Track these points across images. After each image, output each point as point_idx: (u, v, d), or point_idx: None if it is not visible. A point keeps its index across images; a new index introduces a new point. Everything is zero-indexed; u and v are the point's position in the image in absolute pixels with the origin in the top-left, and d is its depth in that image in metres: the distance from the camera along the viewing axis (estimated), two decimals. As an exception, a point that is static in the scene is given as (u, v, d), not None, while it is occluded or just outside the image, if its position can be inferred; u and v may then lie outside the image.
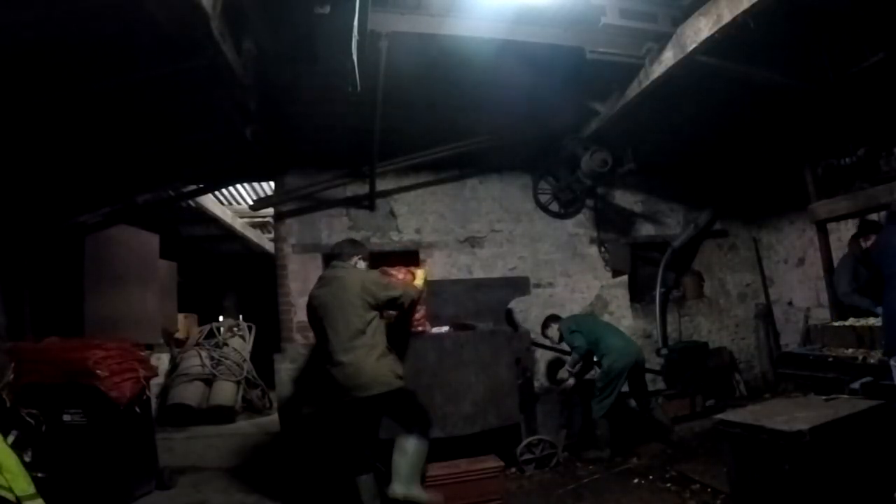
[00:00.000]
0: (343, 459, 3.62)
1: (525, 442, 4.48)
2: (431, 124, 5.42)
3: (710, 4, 3.63)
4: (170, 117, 4.60)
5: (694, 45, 3.82)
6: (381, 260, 5.24)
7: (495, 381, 4.36)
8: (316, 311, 3.52)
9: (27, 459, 3.44)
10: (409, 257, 5.96)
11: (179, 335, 8.43)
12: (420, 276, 4.03)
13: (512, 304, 5.50)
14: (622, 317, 6.49)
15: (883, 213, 4.73)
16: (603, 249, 6.63)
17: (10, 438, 3.47)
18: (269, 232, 9.11)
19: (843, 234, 5.64)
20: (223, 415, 6.77)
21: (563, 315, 5.50)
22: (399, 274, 4.10)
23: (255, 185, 7.54)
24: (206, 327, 8.24)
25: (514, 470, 4.41)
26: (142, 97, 4.06)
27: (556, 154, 6.03)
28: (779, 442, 2.82)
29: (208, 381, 7.07)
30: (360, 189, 5.95)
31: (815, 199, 5.09)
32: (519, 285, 5.29)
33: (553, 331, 5.27)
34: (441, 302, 4.75)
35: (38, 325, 5.37)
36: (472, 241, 6.28)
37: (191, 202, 7.15)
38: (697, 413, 5.73)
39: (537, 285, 6.15)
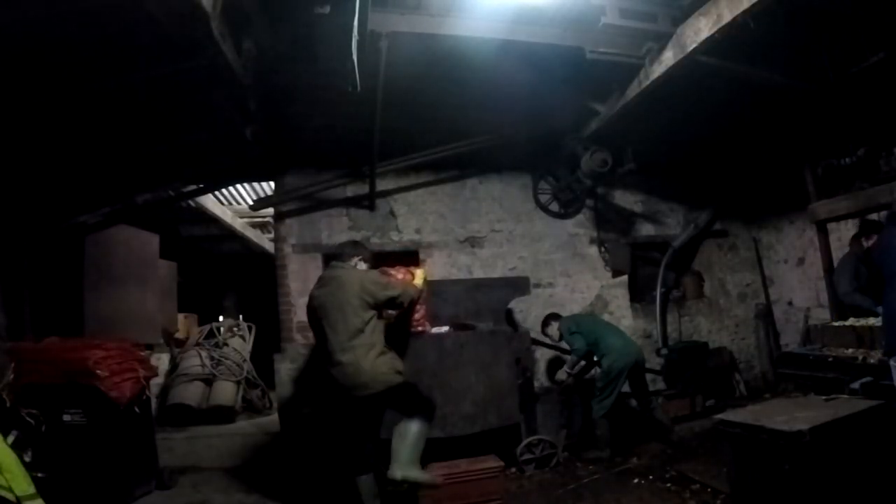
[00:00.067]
0: (343, 459, 3.63)
1: (525, 442, 4.48)
2: (431, 124, 5.42)
3: (710, 4, 3.63)
4: (170, 117, 4.60)
5: (694, 45, 3.82)
6: (380, 260, 5.23)
7: (495, 381, 4.36)
8: (315, 312, 3.52)
9: (27, 459, 3.44)
10: (409, 257, 5.96)
11: (179, 335, 8.42)
12: (419, 276, 4.03)
13: (512, 304, 5.50)
14: (622, 317, 6.49)
15: (883, 213, 4.74)
16: (603, 249, 6.63)
17: (10, 438, 3.47)
18: (269, 232, 9.10)
19: (843, 234, 5.64)
20: (223, 415, 6.76)
21: (564, 315, 5.50)
22: (398, 274, 4.11)
23: (255, 185, 7.54)
24: (206, 327, 8.23)
25: (514, 470, 4.41)
26: (142, 97, 4.06)
27: (556, 154, 6.03)
28: (779, 442, 2.82)
29: (208, 381, 7.06)
30: (360, 189, 5.95)
31: (815, 199, 5.10)
32: (519, 285, 5.29)
33: (553, 329, 5.26)
34: (441, 302, 4.75)
35: (38, 325, 5.36)
36: (472, 241, 6.28)
37: (191, 202, 7.15)
38: (697, 413, 5.73)
39: (537, 285, 6.15)
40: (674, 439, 4.93)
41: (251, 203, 7.00)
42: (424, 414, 3.47)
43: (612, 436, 4.75)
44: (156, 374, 5.09)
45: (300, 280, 5.74)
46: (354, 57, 3.21)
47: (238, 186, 7.66)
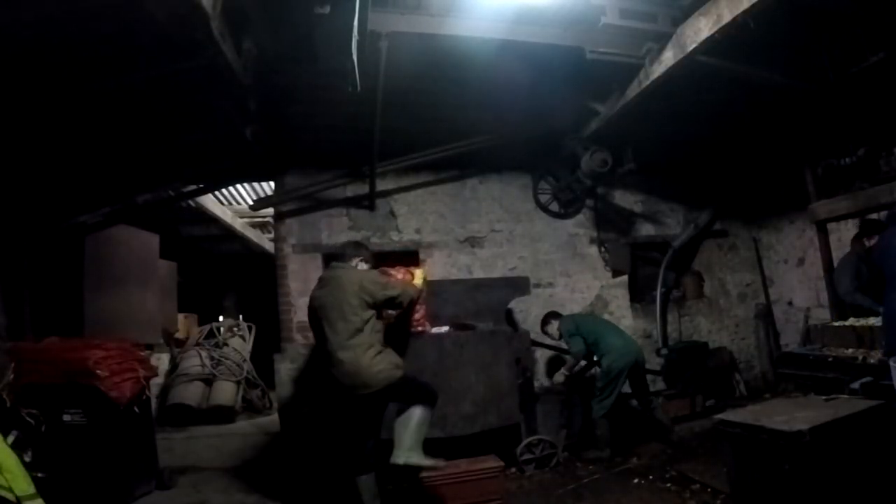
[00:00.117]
0: (343, 459, 3.63)
1: (525, 442, 4.48)
2: (431, 124, 5.41)
3: (710, 4, 3.62)
4: (170, 117, 4.60)
5: (694, 45, 3.82)
6: (380, 260, 5.23)
7: (495, 381, 4.36)
8: (316, 312, 3.53)
9: (27, 459, 3.44)
10: (409, 257, 5.96)
11: (179, 335, 8.43)
12: (419, 276, 4.03)
13: (512, 304, 5.50)
14: (622, 317, 6.49)
15: (884, 213, 4.75)
16: (603, 249, 6.63)
17: (10, 438, 3.47)
18: (269, 232, 9.11)
19: (843, 234, 5.64)
20: (223, 415, 6.76)
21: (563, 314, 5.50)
22: (398, 274, 4.11)
23: (255, 185, 7.54)
24: (206, 327, 8.23)
25: (514, 470, 4.41)
26: (141, 97, 4.06)
27: (556, 154, 6.03)
28: (779, 442, 2.82)
29: (208, 381, 7.06)
30: (360, 189, 5.95)
31: (815, 199, 5.10)
32: (519, 285, 5.29)
33: (553, 328, 5.26)
34: (441, 302, 4.75)
35: (38, 325, 5.36)
36: (472, 241, 6.28)
37: (191, 202, 7.15)
38: (697, 413, 5.73)
39: (537, 285, 6.15)
40: (674, 439, 4.93)
41: (251, 203, 7.00)
42: (426, 400, 3.51)
43: (612, 436, 4.75)
44: (156, 374, 5.09)
45: (300, 280, 5.74)
46: (354, 57, 3.21)
47: (238, 186, 7.66)
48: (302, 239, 5.89)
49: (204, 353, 7.35)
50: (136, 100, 4.10)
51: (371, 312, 3.44)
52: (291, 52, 3.82)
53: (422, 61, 4.21)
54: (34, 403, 3.81)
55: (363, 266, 3.74)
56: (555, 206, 6.52)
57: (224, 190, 7.66)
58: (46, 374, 3.91)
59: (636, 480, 4.11)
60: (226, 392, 7.02)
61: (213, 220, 8.21)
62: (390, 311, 3.84)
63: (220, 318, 11.29)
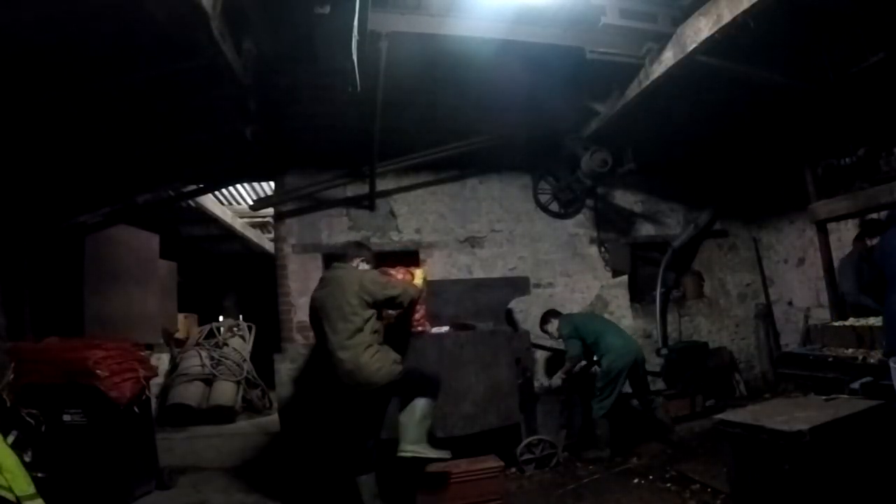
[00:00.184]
0: (344, 459, 3.64)
1: (525, 442, 4.48)
2: (431, 124, 5.42)
3: (710, 4, 3.63)
4: (170, 117, 4.60)
5: (694, 45, 3.82)
6: (380, 260, 5.23)
7: (495, 381, 4.36)
8: (317, 312, 3.55)
9: (27, 459, 3.44)
10: (409, 257, 5.96)
11: (179, 335, 8.42)
12: (419, 276, 4.03)
13: (512, 304, 5.50)
14: (622, 317, 6.48)
15: (884, 213, 4.74)
16: (603, 249, 6.63)
17: (10, 438, 3.46)
18: (269, 232, 9.11)
19: (843, 234, 5.64)
20: (223, 415, 6.76)
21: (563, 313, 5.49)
22: (398, 274, 4.11)
23: (255, 185, 7.54)
24: (206, 327, 8.23)
25: (514, 470, 4.41)
26: (141, 97, 4.06)
27: (556, 154, 6.03)
28: (779, 442, 2.82)
29: (208, 381, 7.06)
30: (360, 189, 5.95)
31: (815, 199, 5.09)
32: (519, 285, 5.29)
33: (552, 327, 5.25)
34: (441, 302, 4.75)
35: (38, 325, 5.36)
36: (472, 241, 6.27)
37: (191, 202, 7.15)
38: (697, 413, 5.73)
39: (537, 285, 6.15)
40: (674, 439, 4.93)
41: (251, 203, 6.99)
42: (429, 391, 3.55)
43: (612, 436, 4.75)
44: (156, 374, 5.09)
45: (300, 280, 5.74)
46: (354, 57, 3.21)
47: (238, 186, 7.66)
48: (302, 239, 5.89)
49: (204, 353, 7.35)
50: (136, 100, 4.09)
51: (371, 312, 3.45)
52: (291, 52, 3.82)
53: (422, 61, 4.21)
54: (34, 403, 3.80)
55: (364, 266, 3.75)
56: (555, 206, 6.52)
57: (224, 190, 7.66)
58: (46, 374, 3.91)
59: (636, 480, 4.11)
60: (226, 392, 7.02)
61: (213, 220, 8.21)
62: (390, 311, 3.85)
63: (220, 318, 11.29)
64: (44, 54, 3.32)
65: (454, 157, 5.83)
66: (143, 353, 4.78)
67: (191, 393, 6.77)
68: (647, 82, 4.37)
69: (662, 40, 4.10)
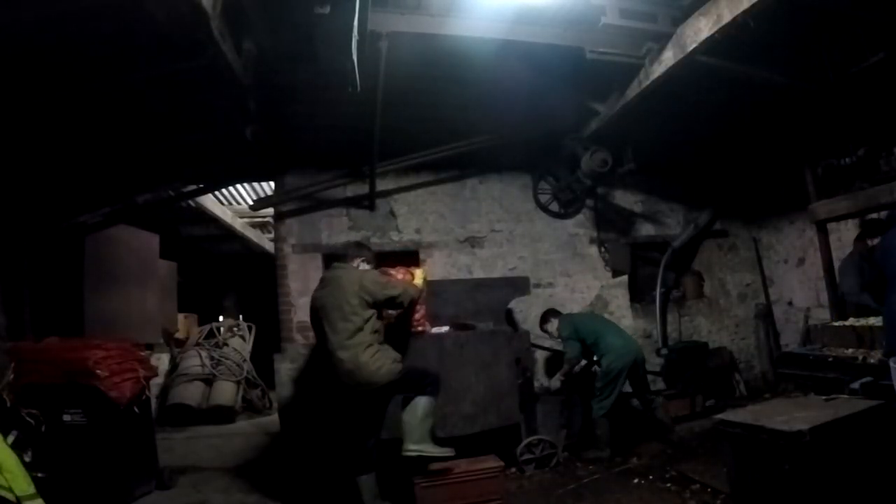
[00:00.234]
0: (344, 458, 3.64)
1: (525, 442, 4.48)
2: (431, 124, 5.42)
3: (710, 4, 3.63)
4: (170, 117, 4.60)
5: (694, 45, 3.82)
6: (380, 260, 5.23)
7: (495, 381, 4.36)
8: (317, 312, 3.55)
9: (27, 459, 3.44)
10: (409, 257, 5.96)
11: (179, 335, 8.44)
12: (419, 276, 4.04)
13: (512, 304, 5.50)
14: (622, 317, 6.48)
15: (884, 213, 4.74)
16: (603, 249, 6.63)
17: (10, 438, 3.47)
18: (269, 232, 9.11)
19: (843, 234, 5.64)
20: (223, 415, 6.77)
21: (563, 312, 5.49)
22: (398, 274, 4.11)
23: (255, 185, 7.54)
24: (206, 327, 8.25)
25: (514, 470, 4.41)
26: (141, 97, 4.06)
27: (556, 154, 6.03)
28: (779, 442, 2.82)
29: (208, 381, 7.08)
30: (360, 189, 5.95)
31: (815, 199, 5.09)
32: (519, 285, 5.29)
33: (552, 326, 5.24)
34: (441, 302, 4.75)
35: (38, 325, 5.37)
36: (472, 241, 6.27)
37: (191, 202, 7.15)
38: (697, 413, 5.73)
39: (537, 285, 6.15)
40: (674, 439, 4.93)
41: (251, 203, 7.00)
42: (431, 388, 3.57)
43: (612, 436, 4.75)
44: (156, 374, 5.09)
45: (300, 280, 5.74)
46: (354, 57, 3.21)
47: (238, 186, 7.67)
48: (302, 239, 5.88)
49: (204, 353, 7.37)
50: (136, 100, 4.10)
51: (371, 312, 3.46)
52: (291, 52, 3.82)
53: (422, 61, 4.21)
54: (34, 403, 3.81)
55: (365, 266, 3.75)
56: (555, 206, 6.52)
57: (224, 190, 7.66)
58: (46, 374, 3.91)
59: (636, 480, 4.11)
60: (226, 392, 7.03)
61: (213, 220, 8.21)
62: (391, 311, 3.85)
63: (220, 318, 11.29)
64: (44, 54, 3.32)
65: (454, 157, 5.84)
66: (143, 353, 4.78)
67: (191, 393, 6.79)
68: (647, 82, 4.37)
69: (662, 40, 4.10)
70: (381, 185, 5.93)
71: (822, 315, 5.89)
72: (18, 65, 3.36)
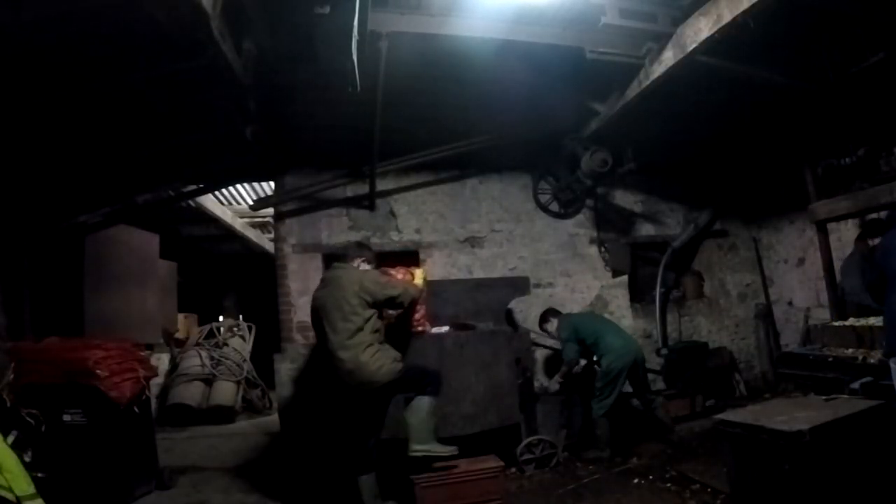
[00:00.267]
0: (345, 458, 3.64)
1: (525, 442, 4.48)
2: (431, 124, 5.42)
3: (710, 4, 3.63)
4: (170, 117, 4.60)
5: (694, 45, 3.82)
6: (380, 260, 5.23)
7: (495, 381, 4.36)
8: (317, 312, 3.56)
9: (27, 459, 3.44)
10: (409, 257, 5.96)
11: (179, 335, 8.44)
12: (419, 276, 4.04)
13: (512, 304, 5.50)
14: (622, 317, 6.48)
15: (884, 213, 4.74)
16: (603, 249, 6.63)
17: (10, 438, 3.47)
18: (269, 232, 9.11)
19: (843, 234, 5.64)
20: (223, 415, 6.78)
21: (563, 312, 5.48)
22: (398, 274, 4.12)
23: (255, 185, 7.54)
24: (206, 327, 8.26)
25: (514, 470, 4.41)
26: (142, 97, 4.06)
27: (556, 154, 6.03)
28: (779, 442, 2.82)
29: (208, 381, 7.08)
30: (360, 189, 5.95)
31: (815, 199, 5.09)
32: (519, 285, 5.30)
33: (552, 326, 5.24)
34: (441, 302, 4.75)
35: (38, 325, 5.37)
36: (472, 241, 6.27)
37: (191, 202, 7.15)
38: (697, 413, 5.73)
39: (537, 285, 6.15)
40: (674, 439, 4.93)
41: (251, 203, 7.00)
42: (432, 387, 3.58)
43: (612, 436, 4.75)
44: (156, 374, 5.09)
45: (300, 280, 5.74)
46: (354, 57, 3.21)
47: (238, 186, 7.67)
48: (302, 239, 5.88)
49: (204, 353, 7.37)
50: (136, 100, 4.10)
51: (371, 312, 3.46)
52: (291, 52, 3.82)
53: (422, 61, 4.21)
54: (34, 403, 3.81)
55: (365, 266, 3.76)
56: (555, 206, 6.52)
57: (224, 190, 7.66)
58: (46, 374, 3.91)
59: (636, 480, 4.11)
60: (226, 392, 7.03)
61: (213, 220, 8.22)
62: (391, 311, 3.85)
63: (220, 318, 11.30)
64: (44, 54, 3.32)
65: (454, 157, 5.83)
66: (143, 353, 4.78)
67: (191, 393, 6.79)
68: (647, 82, 4.37)
69: (662, 40, 4.10)
70: (381, 185, 5.93)
71: (822, 315, 5.89)
72: (18, 65, 3.35)
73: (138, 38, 3.29)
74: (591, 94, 5.09)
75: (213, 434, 5.96)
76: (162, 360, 7.18)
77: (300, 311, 5.60)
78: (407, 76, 4.30)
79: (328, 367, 3.50)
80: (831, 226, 5.31)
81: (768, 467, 2.90)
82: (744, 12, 3.33)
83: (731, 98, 5.08)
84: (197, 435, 5.88)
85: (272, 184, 6.26)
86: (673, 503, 3.67)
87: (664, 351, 6.29)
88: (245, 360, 7.62)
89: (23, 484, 3.10)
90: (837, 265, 5.11)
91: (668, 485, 3.94)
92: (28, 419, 3.73)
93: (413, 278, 4.02)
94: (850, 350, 3.92)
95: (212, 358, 7.33)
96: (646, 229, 6.92)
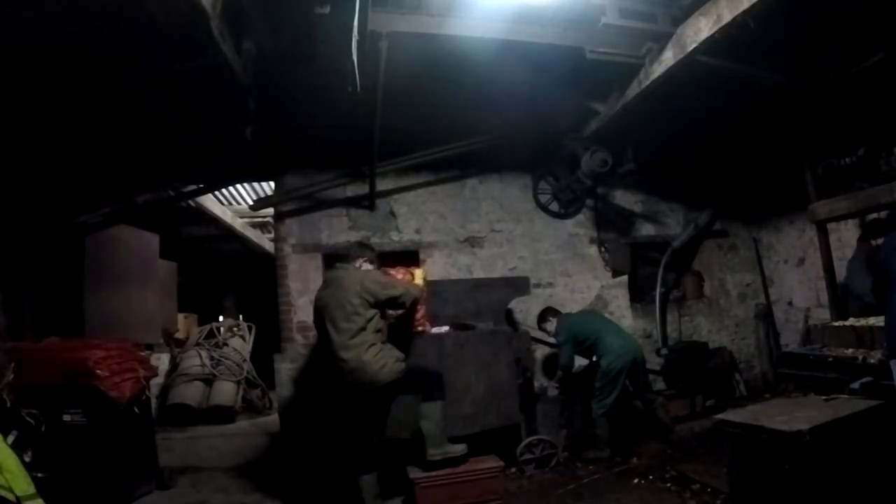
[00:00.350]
0: (347, 458, 3.64)
1: (525, 442, 4.48)
2: (431, 124, 5.42)
3: (710, 4, 3.62)
4: (170, 117, 4.60)
5: (694, 45, 3.82)
6: (381, 260, 5.23)
7: (495, 381, 4.36)
8: (320, 312, 3.57)
9: (27, 459, 3.45)
10: (409, 257, 5.96)
11: (179, 335, 8.43)
12: (419, 276, 4.04)
13: (512, 304, 5.50)
14: (622, 317, 6.47)
15: (884, 213, 4.74)
16: (603, 249, 6.63)
17: (10, 438, 3.47)
18: (269, 232, 9.11)
19: (843, 234, 5.64)
20: (223, 415, 6.76)
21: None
22: (398, 274, 4.12)
23: (255, 185, 7.54)
24: (206, 327, 8.23)
25: (514, 470, 4.41)
26: (142, 97, 4.06)
27: (556, 154, 6.03)
28: (779, 442, 2.82)
29: (208, 381, 7.06)
30: (360, 189, 5.94)
31: (815, 199, 5.09)
32: (519, 285, 5.29)
33: (551, 326, 5.24)
34: (441, 302, 4.75)
35: (38, 325, 5.36)
36: (472, 241, 6.27)
37: (191, 202, 7.15)
38: (697, 413, 5.73)
39: (537, 285, 6.15)
40: (674, 439, 4.93)
41: (251, 203, 7.00)
42: (438, 389, 3.65)
43: (612, 436, 4.75)
44: (156, 374, 5.09)
45: (300, 280, 5.74)
46: (354, 57, 3.21)
47: (238, 186, 7.66)
48: (302, 239, 5.88)
49: (204, 353, 7.35)
50: (136, 100, 4.10)
51: (373, 312, 3.47)
52: (291, 52, 3.82)
53: (422, 61, 4.21)
54: (34, 403, 3.81)
55: (367, 266, 3.77)
56: (555, 206, 6.52)
57: (224, 190, 7.66)
58: (46, 374, 3.92)
59: (636, 480, 4.11)
60: (226, 392, 7.02)
61: (213, 220, 8.21)
62: (391, 312, 3.85)
63: (220, 318, 11.29)
64: (44, 54, 3.32)
65: (454, 157, 5.83)
66: (143, 353, 4.79)
67: (191, 393, 6.78)
68: (647, 82, 4.37)
69: (662, 40, 4.10)
70: (381, 185, 5.93)
71: (822, 315, 5.89)
72: (18, 65, 3.36)
73: (138, 38, 3.29)
74: (591, 94, 5.09)
75: (213, 434, 5.95)
76: (162, 360, 7.17)
77: (300, 311, 5.60)
78: (407, 76, 4.29)
79: (331, 367, 3.50)
80: (831, 226, 5.31)
81: (768, 467, 2.90)
82: (744, 12, 3.32)
83: (731, 98, 5.07)
84: (197, 435, 5.87)
85: (272, 184, 6.25)
86: (673, 503, 3.67)
87: (664, 351, 6.29)
88: (245, 360, 7.61)
89: (23, 484, 3.10)
90: (838, 265, 5.11)
91: (668, 485, 3.94)
92: (28, 419, 3.73)
93: (413, 278, 4.03)
94: (851, 350, 3.91)
95: (212, 358, 7.32)
96: (646, 229, 6.92)
